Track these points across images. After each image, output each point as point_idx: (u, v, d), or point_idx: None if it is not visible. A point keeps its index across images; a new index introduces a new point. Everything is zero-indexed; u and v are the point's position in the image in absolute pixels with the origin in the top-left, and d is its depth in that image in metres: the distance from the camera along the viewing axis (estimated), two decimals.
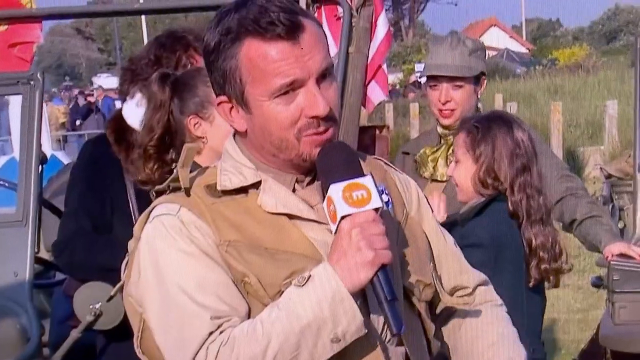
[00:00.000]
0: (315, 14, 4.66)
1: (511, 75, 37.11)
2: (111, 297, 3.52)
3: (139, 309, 2.17)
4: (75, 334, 3.73)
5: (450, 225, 3.63)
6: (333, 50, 4.57)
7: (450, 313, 2.37)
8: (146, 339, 2.18)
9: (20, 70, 4.62)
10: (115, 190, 3.68)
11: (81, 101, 32.40)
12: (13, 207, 4.09)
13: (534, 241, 3.55)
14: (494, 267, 3.47)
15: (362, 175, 2.05)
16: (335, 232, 2.03)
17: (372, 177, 2.06)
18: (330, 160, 2.08)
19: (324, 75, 2.09)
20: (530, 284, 3.58)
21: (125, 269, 2.23)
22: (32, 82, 4.15)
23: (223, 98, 2.15)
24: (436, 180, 4.16)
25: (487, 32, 51.36)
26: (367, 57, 4.68)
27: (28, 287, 3.93)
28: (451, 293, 2.33)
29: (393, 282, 2.01)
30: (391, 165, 2.37)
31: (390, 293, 1.98)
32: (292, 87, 2.06)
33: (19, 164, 4.16)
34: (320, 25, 2.18)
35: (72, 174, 3.86)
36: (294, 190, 2.16)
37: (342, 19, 4.40)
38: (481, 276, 2.45)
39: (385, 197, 2.15)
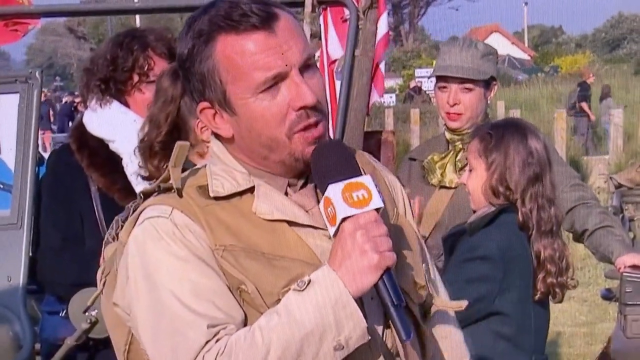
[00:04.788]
0: (321, 16, 4.58)
1: (513, 82, 37.18)
2: (87, 308, 3.44)
3: (127, 319, 2.07)
4: (70, 341, 3.63)
5: (458, 234, 3.55)
6: (339, 54, 4.49)
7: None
8: (134, 351, 2.10)
9: (11, 41, 4.55)
10: (81, 200, 3.70)
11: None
12: (7, 210, 3.98)
13: (542, 253, 3.50)
14: (502, 281, 3.44)
15: (361, 174, 1.98)
16: (335, 235, 1.94)
17: (372, 177, 1.98)
18: (325, 159, 2.00)
19: (306, 66, 2.01)
20: (536, 297, 3.52)
21: (102, 277, 2.15)
22: (30, 81, 4.05)
23: (205, 104, 2.05)
24: (444, 187, 4.08)
25: (489, 38, 51.33)
26: (373, 60, 4.61)
27: (22, 292, 3.85)
28: None
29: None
30: (378, 162, 2.29)
31: (397, 298, 1.93)
32: (275, 81, 1.98)
33: (15, 164, 4.06)
34: (296, 18, 2.09)
35: (41, 188, 3.88)
36: (286, 194, 2.07)
37: (348, 22, 4.32)
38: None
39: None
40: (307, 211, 2.06)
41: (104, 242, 2.19)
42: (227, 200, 2.04)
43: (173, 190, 2.05)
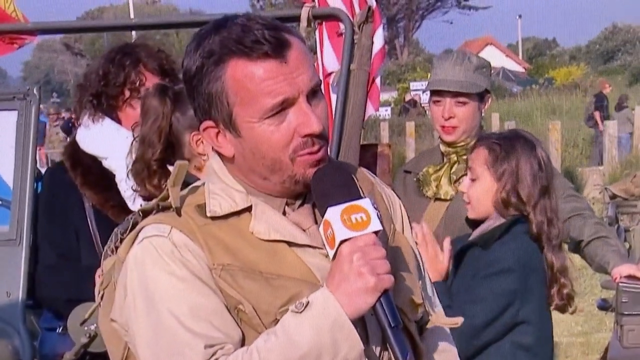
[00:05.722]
0: (317, 30, 4.58)
1: (507, 94, 37.21)
2: (84, 321, 3.44)
3: (124, 334, 2.08)
4: (69, 356, 3.63)
5: (466, 247, 3.51)
6: (335, 66, 4.49)
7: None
8: None
9: (6, 52, 4.58)
10: (76, 217, 3.72)
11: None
12: (6, 226, 3.99)
13: (555, 265, 3.50)
14: (524, 292, 3.41)
15: (360, 197, 1.99)
16: (334, 257, 1.96)
17: (371, 199, 2.00)
18: (325, 182, 2.01)
19: (313, 92, 2.03)
20: (552, 308, 3.53)
21: (100, 290, 2.16)
22: (28, 98, 4.06)
23: (209, 123, 2.06)
24: (439, 199, 4.09)
25: (483, 51, 51.42)
26: (369, 73, 4.61)
27: (21, 307, 3.84)
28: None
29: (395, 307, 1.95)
30: (376, 177, 2.30)
31: (394, 319, 1.94)
32: (282, 107, 1.99)
33: (13, 180, 4.07)
34: (305, 42, 2.10)
35: (38, 205, 3.90)
36: (284, 214, 2.08)
37: (344, 36, 4.33)
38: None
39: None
40: (304, 230, 2.07)
41: (102, 255, 2.20)
42: (224, 219, 2.05)
43: (172, 209, 2.06)
